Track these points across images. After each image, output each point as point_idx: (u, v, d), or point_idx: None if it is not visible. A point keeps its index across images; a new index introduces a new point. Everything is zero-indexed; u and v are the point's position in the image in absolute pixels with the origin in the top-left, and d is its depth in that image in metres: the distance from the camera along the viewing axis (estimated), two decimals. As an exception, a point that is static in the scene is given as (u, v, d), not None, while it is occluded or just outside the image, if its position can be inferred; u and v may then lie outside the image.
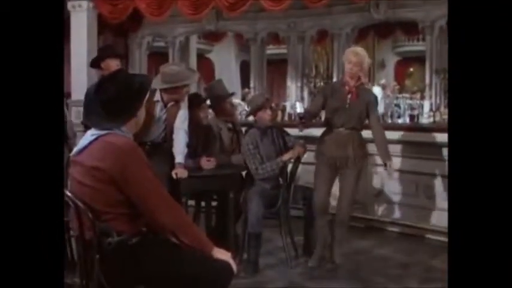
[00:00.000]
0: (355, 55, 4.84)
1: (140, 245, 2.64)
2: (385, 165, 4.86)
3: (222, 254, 2.70)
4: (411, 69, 16.47)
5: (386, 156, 4.87)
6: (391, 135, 5.92)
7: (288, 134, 5.30)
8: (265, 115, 5.10)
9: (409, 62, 16.60)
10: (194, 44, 10.59)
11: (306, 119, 4.94)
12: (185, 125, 4.84)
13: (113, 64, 5.21)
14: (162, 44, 9.89)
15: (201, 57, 13.25)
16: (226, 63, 15.19)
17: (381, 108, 7.46)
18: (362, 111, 4.85)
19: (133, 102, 2.72)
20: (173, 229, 2.65)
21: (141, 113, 2.80)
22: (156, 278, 2.64)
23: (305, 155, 5.28)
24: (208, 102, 5.49)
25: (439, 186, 5.88)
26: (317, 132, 6.45)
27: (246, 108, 8.44)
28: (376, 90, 7.78)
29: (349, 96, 4.84)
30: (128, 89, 2.68)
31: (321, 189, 4.92)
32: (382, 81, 11.38)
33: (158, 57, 9.68)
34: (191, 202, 5.14)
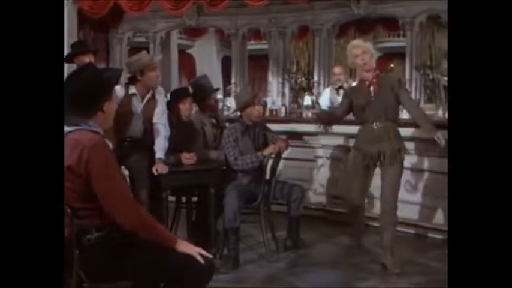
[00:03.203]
0: (356, 47, 4.77)
1: (120, 240, 2.64)
2: (435, 140, 4.63)
3: (186, 247, 2.70)
4: (392, 65, 16.54)
5: (431, 130, 4.67)
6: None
7: (270, 131, 5.30)
8: (254, 111, 5.10)
9: (390, 57, 16.66)
10: (175, 40, 10.57)
11: (323, 117, 4.99)
12: (163, 120, 4.83)
13: (86, 60, 5.17)
14: (143, 39, 9.84)
15: (182, 52, 13.20)
16: (207, 59, 15.14)
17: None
18: (390, 99, 4.70)
19: (98, 96, 2.70)
20: (132, 228, 2.65)
21: (110, 108, 2.78)
22: (138, 271, 2.64)
23: (288, 150, 5.29)
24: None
25: (418, 180, 5.91)
26: (301, 128, 6.51)
27: (228, 104, 8.47)
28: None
29: (371, 89, 4.74)
30: (93, 83, 2.67)
31: (354, 189, 4.88)
32: (363, 77, 11.41)
33: (139, 52, 9.60)
34: (172, 198, 5.13)
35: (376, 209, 6.20)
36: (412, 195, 5.95)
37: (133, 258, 2.65)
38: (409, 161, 5.68)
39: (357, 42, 4.98)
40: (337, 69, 7.26)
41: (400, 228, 5.89)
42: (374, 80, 4.74)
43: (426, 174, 5.90)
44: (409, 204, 5.89)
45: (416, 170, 5.93)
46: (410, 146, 5.68)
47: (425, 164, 5.88)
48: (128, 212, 2.64)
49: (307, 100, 7.06)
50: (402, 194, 5.96)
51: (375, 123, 4.72)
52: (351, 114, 5.08)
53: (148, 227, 2.70)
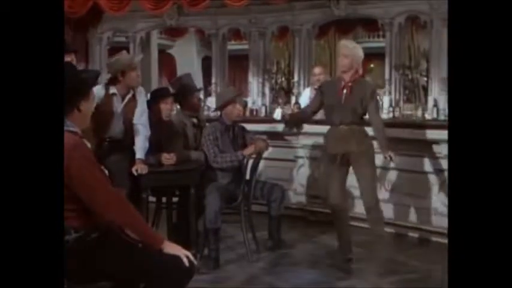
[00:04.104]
0: (342, 47, 4.80)
1: (99, 241, 2.64)
2: (385, 157, 4.76)
3: (172, 249, 2.71)
4: (372, 65, 16.65)
5: (384, 147, 4.76)
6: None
7: (248, 132, 5.32)
8: (235, 109, 5.11)
9: (370, 57, 16.74)
10: (155, 40, 10.53)
11: (289, 124, 5.02)
12: (143, 120, 4.83)
13: (68, 59, 5.14)
14: (122, 39, 9.79)
15: (163, 52, 13.15)
16: (187, 59, 15.11)
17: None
18: (357, 106, 4.71)
19: (73, 95, 2.67)
20: (121, 224, 2.69)
21: (87, 108, 2.77)
22: (117, 272, 2.65)
23: (268, 150, 5.30)
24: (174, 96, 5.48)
25: (399, 179, 5.97)
26: (281, 128, 6.52)
27: (209, 104, 8.46)
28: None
29: (344, 91, 4.72)
30: (69, 82, 2.65)
31: (332, 188, 4.84)
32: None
33: (119, 52, 9.56)
34: (152, 198, 5.13)
35: (357, 209, 6.28)
36: (385, 193, 6.05)
37: (113, 259, 2.65)
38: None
39: (345, 42, 4.99)
40: (317, 70, 7.30)
41: (364, 225, 6.00)
42: (349, 84, 4.73)
43: (398, 173, 5.99)
44: (384, 203, 5.99)
45: (391, 169, 6.02)
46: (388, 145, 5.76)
47: (399, 163, 5.94)
48: (118, 208, 2.66)
49: (277, 114, 7.12)
50: (382, 194, 6.07)
51: (341, 125, 4.74)
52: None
53: (136, 223, 2.73)
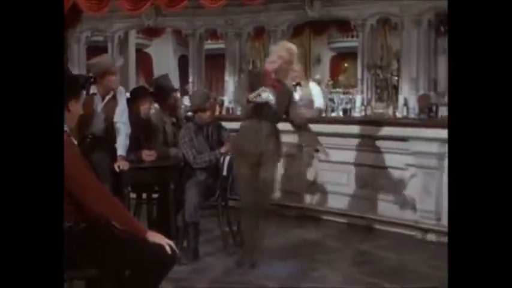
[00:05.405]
0: (287, 50, 4.72)
1: (87, 231, 2.82)
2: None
3: (156, 238, 2.89)
4: (346, 65, 16.91)
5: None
6: (326, 128, 6.27)
7: (224, 129, 5.48)
8: (204, 116, 5.23)
9: (344, 57, 17.00)
10: (133, 39, 10.65)
11: None
12: (124, 118, 4.99)
13: None
14: (100, 38, 9.90)
15: (140, 51, 13.26)
16: (164, 58, 15.22)
17: (322, 103, 7.81)
18: (283, 107, 4.74)
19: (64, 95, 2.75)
20: (108, 217, 2.86)
21: (76, 109, 2.93)
22: (105, 260, 2.83)
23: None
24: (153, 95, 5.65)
25: (370, 175, 6.23)
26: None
27: (186, 102, 8.62)
28: (314, 86, 8.04)
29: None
30: None
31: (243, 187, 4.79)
32: (317, 77, 11.72)
33: (97, 51, 9.66)
34: (133, 195, 5.30)
35: (331, 203, 6.52)
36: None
37: (100, 248, 2.83)
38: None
39: (284, 44, 4.97)
40: (296, 66, 7.51)
41: (336, 219, 6.29)
42: (277, 84, 4.68)
43: (369, 169, 6.25)
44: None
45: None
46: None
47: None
48: (105, 201, 2.85)
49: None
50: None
51: (262, 121, 4.67)
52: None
53: (122, 216, 2.92)
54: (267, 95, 4.52)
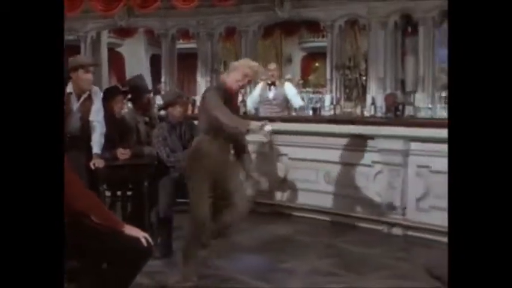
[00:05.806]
0: (251, 68, 4.45)
1: (68, 225, 2.94)
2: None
3: (132, 231, 3.06)
4: (316, 64, 17.08)
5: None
6: (296, 127, 6.45)
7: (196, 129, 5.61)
8: (175, 112, 5.37)
9: (314, 57, 17.16)
10: (105, 39, 10.69)
11: None
12: (99, 117, 5.11)
13: None
14: (71, 37, 9.93)
15: (112, 50, 13.28)
16: (136, 57, 15.25)
17: (300, 102, 7.98)
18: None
19: None
20: (88, 212, 3.02)
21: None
22: (84, 252, 2.97)
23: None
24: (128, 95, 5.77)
25: (336, 172, 6.41)
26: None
27: (158, 102, 8.73)
28: (291, 86, 8.16)
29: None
30: None
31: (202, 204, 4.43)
32: (288, 76, 11.89)
33: (69, 50, 9.70)
34: (108, 193, 5.42)
35: (300, 199, 6.71)
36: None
37: (80, 241, 2.97)
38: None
39: (248, 62, 4.59)
40: (272, 66, 7.72)
41: (306, 214, 6.50)
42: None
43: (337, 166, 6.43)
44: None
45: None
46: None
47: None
48: (84, 197, 3.02)
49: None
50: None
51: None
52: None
53: (99, 210, 3.10)
54: (270, 129, 4.19)
